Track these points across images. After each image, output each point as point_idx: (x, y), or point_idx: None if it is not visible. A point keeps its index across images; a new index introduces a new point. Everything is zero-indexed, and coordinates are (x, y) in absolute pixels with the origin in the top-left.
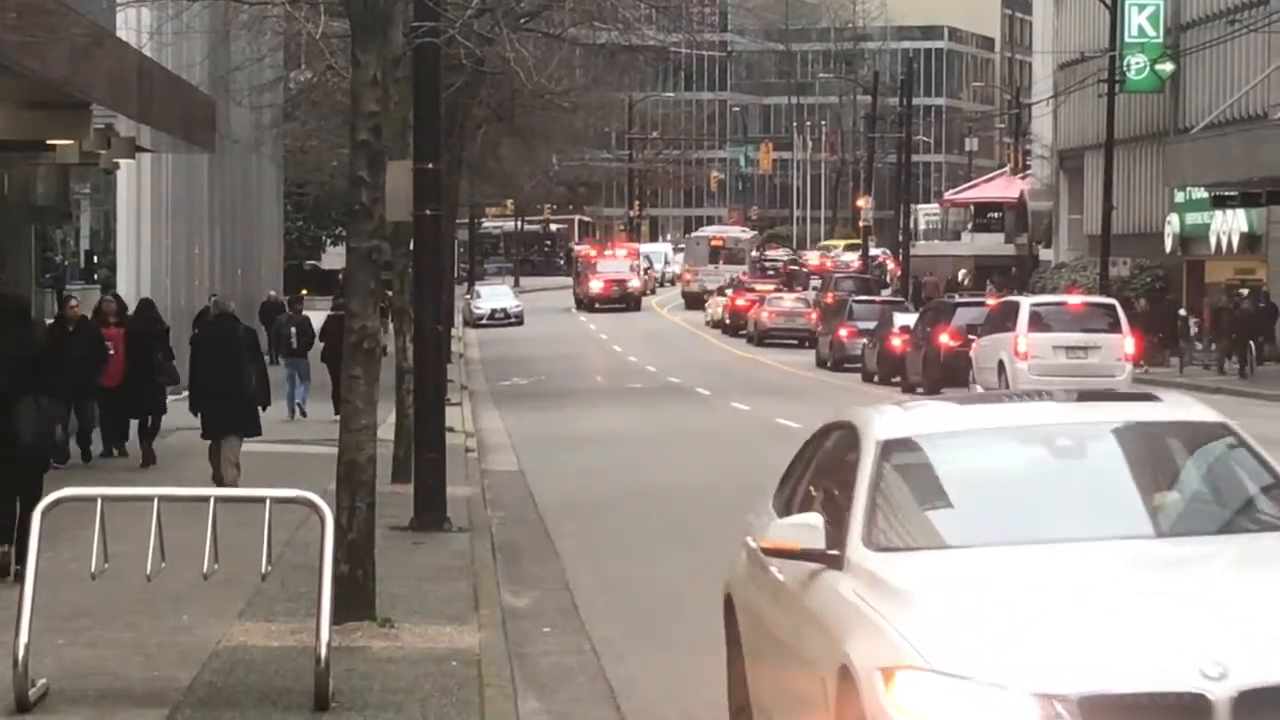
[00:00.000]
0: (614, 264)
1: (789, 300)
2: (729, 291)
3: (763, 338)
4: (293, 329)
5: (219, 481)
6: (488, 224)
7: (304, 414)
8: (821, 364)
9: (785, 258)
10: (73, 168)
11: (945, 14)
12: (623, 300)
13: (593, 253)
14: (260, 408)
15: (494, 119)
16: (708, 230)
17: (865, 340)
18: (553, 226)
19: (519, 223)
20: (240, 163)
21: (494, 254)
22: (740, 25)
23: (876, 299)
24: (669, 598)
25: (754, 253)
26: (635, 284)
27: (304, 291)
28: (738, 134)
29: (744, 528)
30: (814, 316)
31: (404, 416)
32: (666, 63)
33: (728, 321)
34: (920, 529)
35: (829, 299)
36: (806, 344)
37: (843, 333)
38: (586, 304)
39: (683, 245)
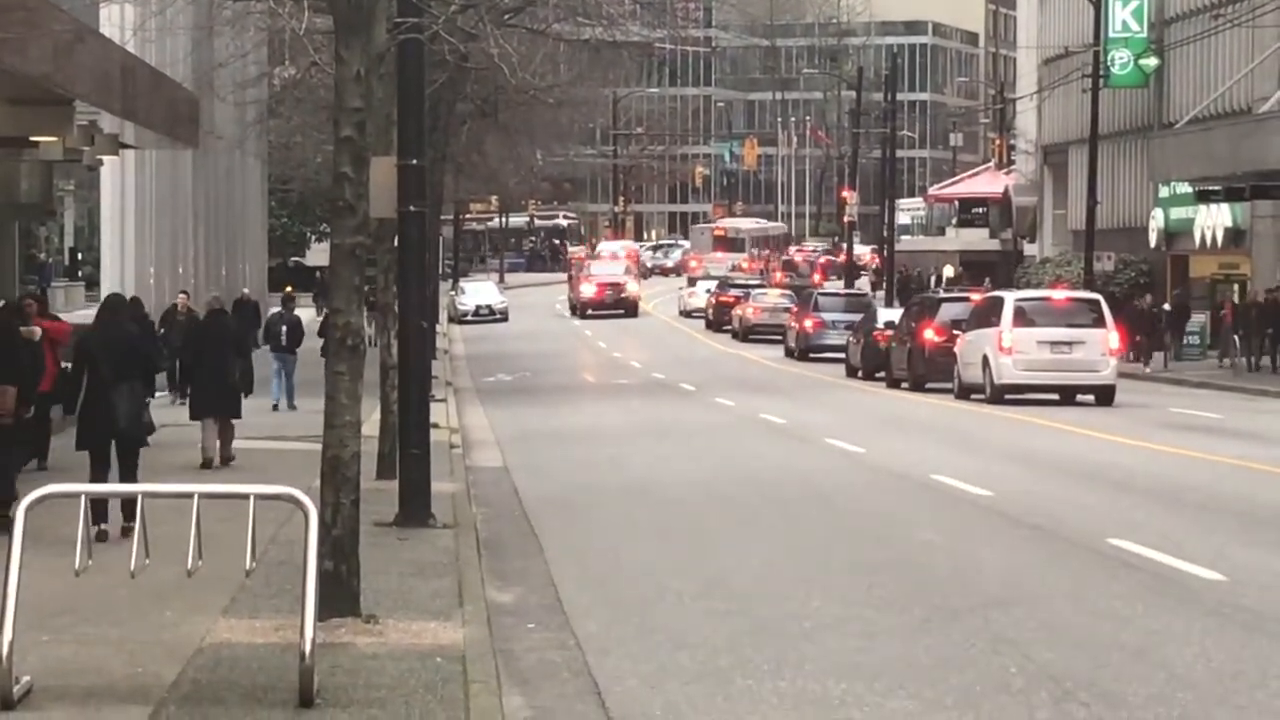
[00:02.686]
0: (608, 266)
1: (773, 296)
2: (712, 287)
3: (748, 333)
4: (284, 326)
5: (207, 461)
6: (513, 219)
7: (293, 407)
8: (789, 354)
9: (824, 248)
10: (56, 164)
11: (929, 9)
12: (618, 305)
13: (585, 253)
14: (243, 394)
15: (478, 115)
16: (730, 221)
17: (832, 331)
18: (538, 221)
19: (503, 219)
20: (224, 159)
21: (507, 249)
22: (724, 21)
23: (842, 292)
24: (654, 593)
25: (790, 248)
26: (632, 288)
27: (288, 288)
28: (722, 129)
29: None
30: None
31: (389, 413)
32: (651, 58)
33: (711, 316)
34: None
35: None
36: None
37: (807, 324)
38: (579, 309)
39: (660, 243)
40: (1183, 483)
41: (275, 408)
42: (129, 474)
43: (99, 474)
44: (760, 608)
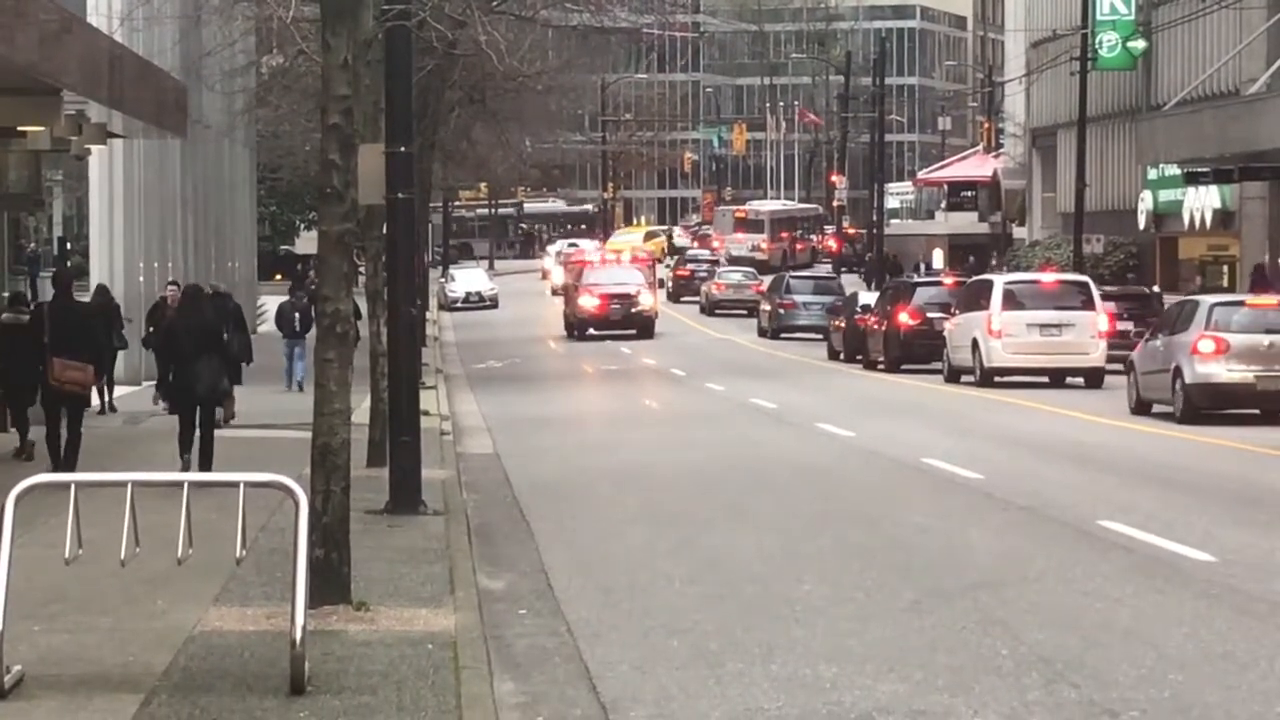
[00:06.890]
0: (614, 273)
1: (737, 274)
2: (671, 261)
3: (714, 308)
4: (296, 314)
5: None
6: (526, 204)
7: (301, 389)
8: (762, 334)
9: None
10: (44, 154)
11: None
12: (628, 323)
13: (586, 256)
14: (243, 364)
15: (466, 102)
16: (753, 204)
17: (804, 312)
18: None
19: (492, 207)
20: (212, 148)
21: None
22: (712, 6)
23: (812, 275)
24: (645, 578)
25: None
26: (646, 300)
27: (277, 276)
28: (711, 115)
29: None
30: (761, 288)
31: (379, 400)
32: (639, 44)
33: (671, 289)
34: None
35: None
36: (752, 314)
37: (780, 305)
38: (578, 328)
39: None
40: (1172, 464)
41: (301, 389)
42: (208, 428)
43: (186, 432)
44: (751, 592)
